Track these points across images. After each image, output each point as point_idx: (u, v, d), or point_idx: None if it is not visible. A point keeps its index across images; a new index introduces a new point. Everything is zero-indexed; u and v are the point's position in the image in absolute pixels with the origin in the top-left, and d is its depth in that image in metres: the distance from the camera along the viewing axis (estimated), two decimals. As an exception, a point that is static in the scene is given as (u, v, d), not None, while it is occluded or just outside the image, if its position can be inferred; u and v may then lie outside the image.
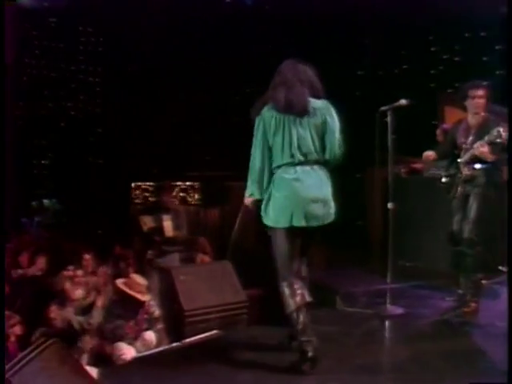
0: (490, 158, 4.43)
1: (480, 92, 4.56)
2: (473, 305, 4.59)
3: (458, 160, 4.63)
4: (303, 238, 3.52)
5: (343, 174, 3.70)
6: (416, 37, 8.28)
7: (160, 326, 4.65)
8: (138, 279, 4.77)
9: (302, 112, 3.41)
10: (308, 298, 3.45)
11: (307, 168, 3.42)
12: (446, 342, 3.94)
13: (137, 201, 8.46)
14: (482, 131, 4.51)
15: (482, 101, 4.56)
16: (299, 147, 3.39)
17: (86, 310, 4.65)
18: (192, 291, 4.66)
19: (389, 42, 8.17)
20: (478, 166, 4.51)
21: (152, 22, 8.50)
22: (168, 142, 9.01)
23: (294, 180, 3.39)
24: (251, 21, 8.42)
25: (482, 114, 4.60)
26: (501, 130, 4.31)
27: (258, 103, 3.54)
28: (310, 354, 3.36)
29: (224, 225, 7.10)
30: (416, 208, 5.78)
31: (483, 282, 5.10)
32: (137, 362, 4.17)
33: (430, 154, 4.79)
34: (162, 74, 9.01)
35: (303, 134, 3.40)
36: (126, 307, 4.73)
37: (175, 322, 4.68)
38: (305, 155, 3.40)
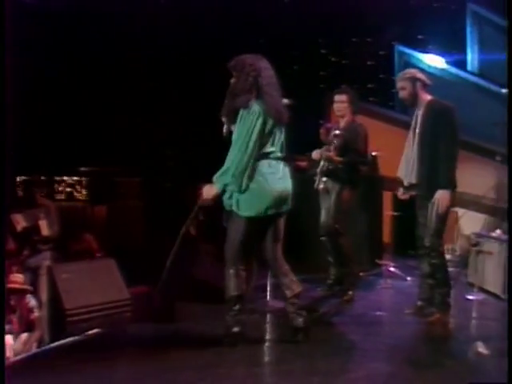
0: (337, 160, 4.87)
1: (342, 97, 4.99)
2: (349, 293, 4.91)
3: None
4: (269, 227, 3.73)
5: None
6: (307, 39, 8.56)
7: (39, 327, 4.53)
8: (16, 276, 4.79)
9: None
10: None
11: (275, 162, 3.67)
12: (320, 331, 4.10)
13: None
14: (345, 133, 4.90)
15: (343, 105, 4.99)
16: (273, 144, 3.68)
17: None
18: (74, 290, 4.52)
19: (281, 43, 8.38)
20: (331, 165, 4.92)
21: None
22: (56, 135, 8.67)
23: (269, 173, 3.62)
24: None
25: (347, 117, 5.01)
26: (337, 132, 4.86)
27: (244, 98, 3.61)
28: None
29: (112, 222, 6.96)
30: (300, 204, 5.98)
31: (361, 274, 5.45)
32: (14, 364, 4.00)
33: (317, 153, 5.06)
34: (52, 64, 8.65)
35: (279, 130, 3.73)
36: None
37: (56, 322, 4.54)
38: (277, 151, 3.70)
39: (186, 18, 8.38)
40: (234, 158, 3.57)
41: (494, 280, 5.13)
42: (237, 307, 3.71)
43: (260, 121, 3.58)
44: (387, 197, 6.75)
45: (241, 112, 3.61)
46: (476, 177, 5.94)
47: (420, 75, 4.32)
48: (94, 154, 8.25)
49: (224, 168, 3.60)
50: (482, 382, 3.16)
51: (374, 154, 6.36)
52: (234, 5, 8.20)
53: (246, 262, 3.74)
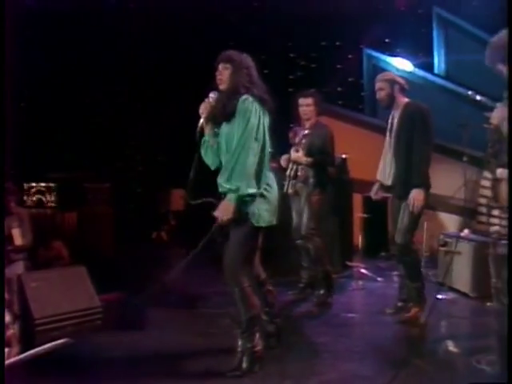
0: (305, 160, 4.87)
1: (308, 101, 4.99)
2: (322, 296, 4.93)
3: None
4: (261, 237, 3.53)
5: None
6: (275, 43, 8.58)
7: (15, 342, 4.43)
8: None
9: None
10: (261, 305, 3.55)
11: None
12: (292, 335, 4.13)
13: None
14: (311, 135, 4.92)
15: (309, 108, 4.98)
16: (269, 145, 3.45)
17: None
18: (43, 298, 4.45)
19: (250, 47, 8.38)
20: (299, 167, 4.92)
21: None
22: (25, 140, 8.52)
23: (273, 178, 3.48)
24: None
25: (312, 119, 5.01)
26: (305, 132, 4.88)
27: (244, 92, 3.35)
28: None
29: (82, 228, 6.87)
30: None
31: (333, 276, 5.46)
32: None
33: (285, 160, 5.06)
34: (24, 69, 8.51)
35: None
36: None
37: (26, 332, 4.45)
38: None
39: (154, 20, 8.34)
40: (244, 158, 3.22)
41: (463, 279, 5.21)
42: (255, 329, 3.44)
43: (264, 116, 3.34)
44: (357, 199, 6.81)
45: (241, 107, 3.29)
46: (444, 178, 6.03)
47: (399, 79, 4.41)
48: (63, 159, 8.15)
49: (233, 173, 3.25)
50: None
51: (343, 156, 6.42)
52: (203, 8, 8.19)
53: (250, 276, 3.50)
